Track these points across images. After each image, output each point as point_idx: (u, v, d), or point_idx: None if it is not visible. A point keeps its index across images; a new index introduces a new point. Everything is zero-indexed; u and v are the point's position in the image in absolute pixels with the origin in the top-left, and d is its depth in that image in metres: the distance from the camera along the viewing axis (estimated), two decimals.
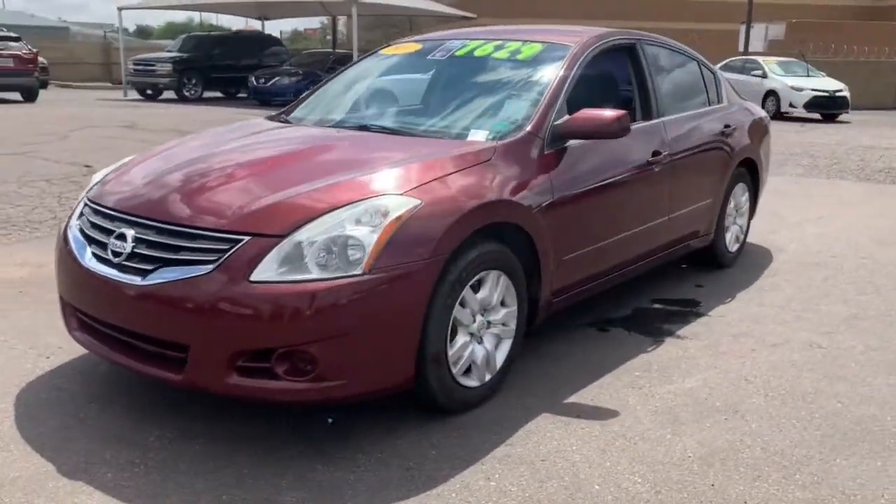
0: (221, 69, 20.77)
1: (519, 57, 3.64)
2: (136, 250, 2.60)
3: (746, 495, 2.41)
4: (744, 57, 21.45)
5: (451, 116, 3.41)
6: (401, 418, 2.82)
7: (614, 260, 3.65)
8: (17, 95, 18.52)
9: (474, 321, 2.86)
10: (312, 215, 2.51)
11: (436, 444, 2.67)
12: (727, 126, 4.62)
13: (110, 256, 2.65)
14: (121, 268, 2.61)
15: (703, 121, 4.45)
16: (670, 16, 33.75)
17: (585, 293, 3.58)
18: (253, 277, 2.40)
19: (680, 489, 2.43)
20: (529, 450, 2.65)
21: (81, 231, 2.87)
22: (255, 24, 28.51)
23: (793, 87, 17.87)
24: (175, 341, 2.49)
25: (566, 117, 3.27)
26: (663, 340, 3.70)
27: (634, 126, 3.82)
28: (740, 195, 4.96)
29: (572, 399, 3.05)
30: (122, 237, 2.66)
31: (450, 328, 2.72)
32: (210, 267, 2.44)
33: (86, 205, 2.97)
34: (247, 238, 2.46)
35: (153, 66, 20.07)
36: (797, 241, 5.72)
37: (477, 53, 3.76)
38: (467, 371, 2.88)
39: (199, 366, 2.46)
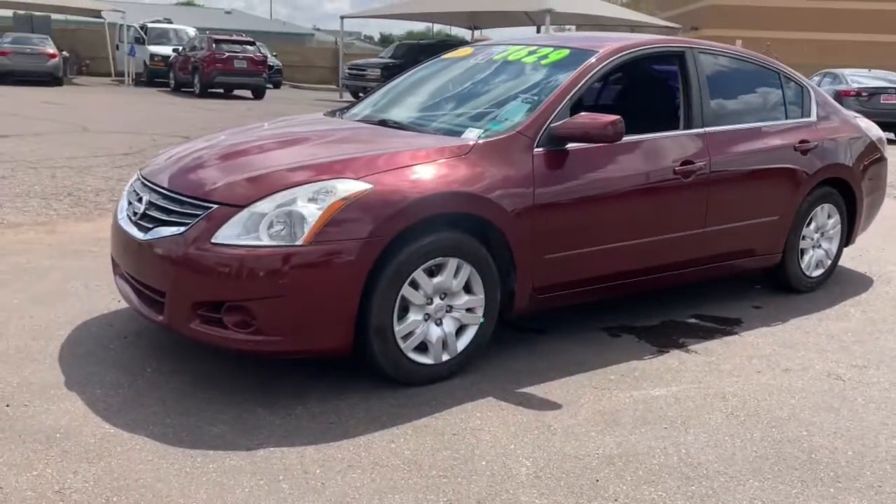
0: None
1: (543, 62, 3.77)
2: (146, 211, 3.14)
3: (623, 495, 2.43)
4: None
5: (459, 115, 3.64)
6: (356, 383, 3.11)
7: (620, 266, 3.65)
8: (249, 93, 20.95)
9: (430, 303, 3.08)
10: (271, 190, 2.89)
11: (371, 408, 2.94)
12: (804, 141, 4.36)
13: (131, 215, 3.22)
14: (136, 225, 3.16)
15: (767, 134, 4.25)
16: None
17: (587, 295, 3.63)
18: (214, 240, 2.83)
19: (560, 478, 2.51)
20: (448, 424, 2.84)
21: (128, 196, 3.47)
22: (486, 35, 29.24)
23: None
24: (158, 288, 2.98)
25: (563, 120, 3.37)
26: (667, 352, 3.64)
27: (663, 134, 3.82)
28: (825, 217, 4.64)
29: (527, 390, 3.16)
30: (140, 200, 3.21)
31: (397, 305, 2.97)
32: (184, 228, 2.90)
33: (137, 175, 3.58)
34: (215, 206, 2.89)
35: (364, 70, 21.72)
36: None
37: (510, 58, 3.95)
38: (422, 349, 3.11)
39: (172, 310, 2.93)
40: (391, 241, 2.87)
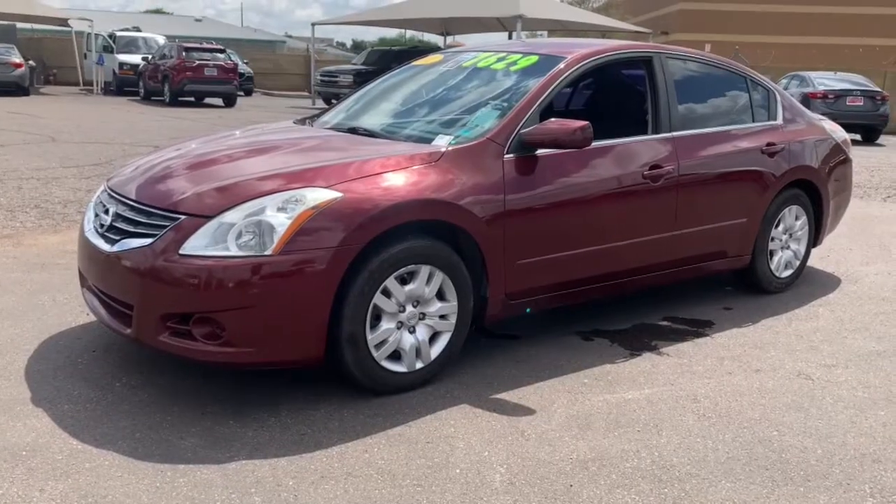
0: None
1: (512, 68, 3.79)
2: (113, 223, 3.09)
3: (597, 500, 2.44)
4: None
5: (429, 121, 3.64)
6: (329, 393, 3.08)
7: (592, 270, 3.67)
8: (220, 101, 20.78)
9: (403, 311, 3.07)
10: (240, 200, 2.86)
11: (344, 418, 2.92)
12: (771, 144, 4.42)
13: (98, 227, 3.17)
14: (103, 237, 3.11)
15: (734, 137, 4.30)
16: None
17: (557, 300, 3.64)
18: (182, 251, 2.79)
19: (534, 484, 2.51)
20: (422, 432, 2.83)
21: (94, 207, 3.42)
22: (459, 41, 29.25)
23: None
24: (126, 301, 2.94)
25: (533, 126, 3.38)
26: (640, 355, 3.67)
27: (632, 139, 3.85)
28: (793, 218, 4.70)
29: (501, 396, 3.16)
30: (107, 211, 3.17)
31: (369, 313, 2.95)
32: (152, 239, 2.86)
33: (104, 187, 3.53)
34: (183, 217, 2.86)
35: (336, 77, 21.67)
36: (883, 276, 5.27)
37: (479, 65, 3.96)
38: (396, 357, 3.09)
39: (140, 323, 2.89)
40: (362, 249, 2.86)
